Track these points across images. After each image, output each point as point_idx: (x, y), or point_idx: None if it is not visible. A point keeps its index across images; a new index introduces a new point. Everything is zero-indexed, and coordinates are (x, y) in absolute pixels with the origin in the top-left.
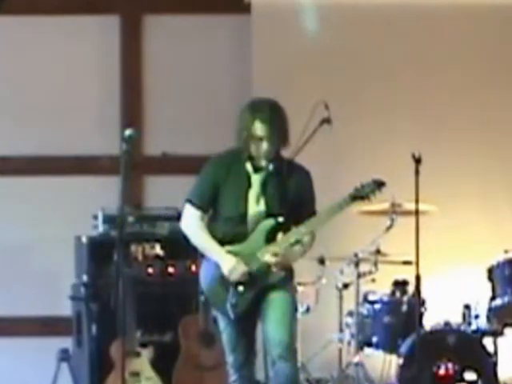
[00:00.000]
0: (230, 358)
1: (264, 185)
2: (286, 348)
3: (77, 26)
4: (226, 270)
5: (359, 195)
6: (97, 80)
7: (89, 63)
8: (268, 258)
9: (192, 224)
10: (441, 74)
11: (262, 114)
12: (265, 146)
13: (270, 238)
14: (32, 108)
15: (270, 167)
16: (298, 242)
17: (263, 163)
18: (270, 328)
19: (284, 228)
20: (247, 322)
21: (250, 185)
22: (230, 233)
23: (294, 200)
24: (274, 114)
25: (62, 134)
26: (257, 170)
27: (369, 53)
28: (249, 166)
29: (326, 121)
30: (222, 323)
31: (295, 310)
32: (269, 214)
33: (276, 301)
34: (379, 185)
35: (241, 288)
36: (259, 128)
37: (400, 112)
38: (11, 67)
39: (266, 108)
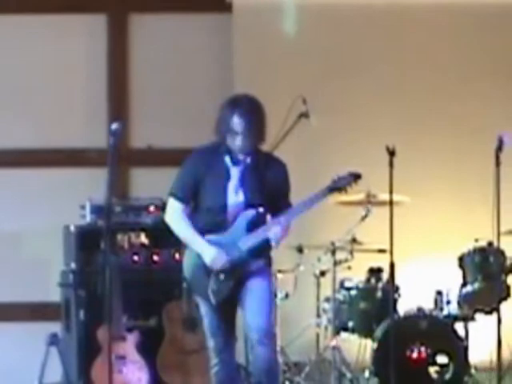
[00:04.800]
0: (210, 343)
1: (242, 177)
2: (264, 333)
3: (64, 24)
4: (208, 260)
5: (336, 187)
6: (84, 77)
7: (77, 61)
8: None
9: (175, 217)
10: (415, 71)
11: (241, 109)
12: (239, 140)
13: (251, 227)
14: (21, 103)
15: (248, 160)
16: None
17: (241, 156)
18: (250, 314)
19: (263, 218)
20: (228, 307)
21: (228, 177)
22: (211, 223)
23: (271, 191)
24: (252, 110)
25: (51, 127)
26: (235, 162)
27: (346, 50)
28: (227, 159)
29: (304, 115)
30: (204, 309)
31: (274, 296)
32: (248, 204)
33: (255, 288)
34: (355, 177)
35: (222, 276)
36: (237, 123)
37: (376, 107)
38: None
39: (246, 104)
